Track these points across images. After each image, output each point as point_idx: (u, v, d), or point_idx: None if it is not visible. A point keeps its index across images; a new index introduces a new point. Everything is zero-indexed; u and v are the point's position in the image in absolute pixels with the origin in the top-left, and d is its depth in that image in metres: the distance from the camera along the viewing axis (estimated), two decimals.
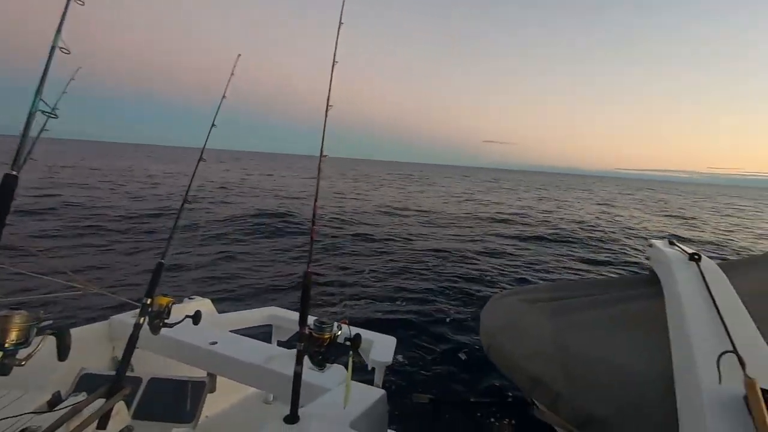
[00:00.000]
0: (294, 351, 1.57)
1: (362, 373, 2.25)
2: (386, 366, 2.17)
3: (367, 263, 8.69)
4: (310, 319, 1.48)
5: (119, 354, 1.81)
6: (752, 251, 14.43)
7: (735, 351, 0.85)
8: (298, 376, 1.41)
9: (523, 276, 8.88)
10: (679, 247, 1.62)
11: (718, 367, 0.84)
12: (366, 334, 2.30)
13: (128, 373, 1.72)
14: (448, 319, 5.69)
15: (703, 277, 1.27)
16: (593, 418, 1.02)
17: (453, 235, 13.11)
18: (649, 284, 1.50)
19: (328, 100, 1.37)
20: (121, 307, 2.48)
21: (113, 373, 1.58)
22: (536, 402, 1.21)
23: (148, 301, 1.61)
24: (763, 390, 0.79)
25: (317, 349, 1.42)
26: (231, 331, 2.44)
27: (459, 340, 4.95)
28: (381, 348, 2.20)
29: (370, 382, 2.00)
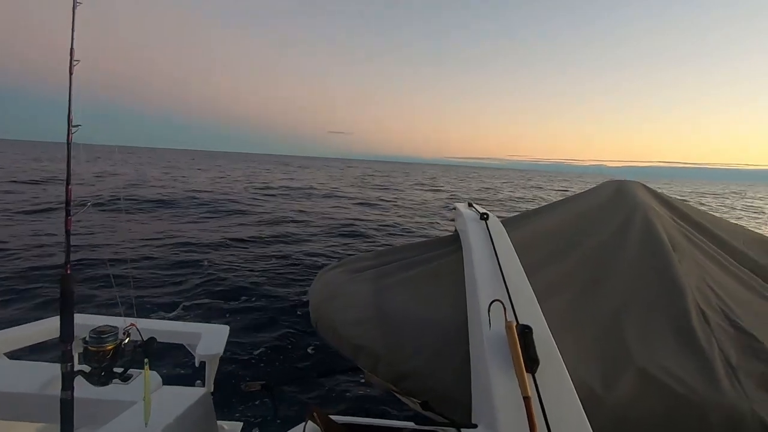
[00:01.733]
0: (88, 368, 1.26)
1: (192, 369, 2.02)
2: (218, 357, 1.98)
3: (189, 256, 7.55)
4: (84, 329, 1.19)
5: None
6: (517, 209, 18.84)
7: (501, 299, 1.01)
8: (66, 403, 1.13)
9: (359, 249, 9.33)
10: (474, 208, 1.87)
11: (489, 313, 1.00)
12: (190, 327, 2.05)
13: None
14: (282, 302, 5.57)
15: (490, 233, 1.49)
16: (406, 373, 1.06)
17: (291, 219, 12.82)
18: (452, 242, 1.70)
19: (71, 52, 1.05)
20: None
21: None
22: (362, 368, 1.26)
23: None
24: (523, 326, 0.97)
25: (97, 364, 1.16)
26: (5, 354, 1.86)
27: (292, 320, 4.97)
28: (210, 339, 1.98)
29: (192, 380, 1.80)
